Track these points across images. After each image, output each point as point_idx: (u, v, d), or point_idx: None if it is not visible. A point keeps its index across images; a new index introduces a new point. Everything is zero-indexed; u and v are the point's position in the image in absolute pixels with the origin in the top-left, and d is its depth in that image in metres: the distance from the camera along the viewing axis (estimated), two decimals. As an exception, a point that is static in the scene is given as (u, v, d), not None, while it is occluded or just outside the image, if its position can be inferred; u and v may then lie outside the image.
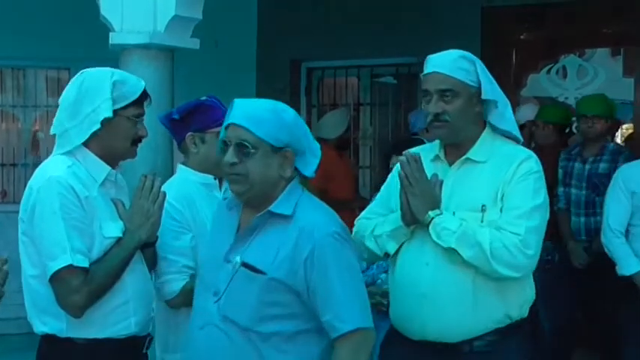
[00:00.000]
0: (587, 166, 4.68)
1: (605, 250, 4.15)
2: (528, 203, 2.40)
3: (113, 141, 2.47)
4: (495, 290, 2.44)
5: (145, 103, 2.54)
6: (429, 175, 2.47)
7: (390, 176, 2.74)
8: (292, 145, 2.14)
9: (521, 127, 5.73)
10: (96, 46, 4.01)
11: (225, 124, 2.17)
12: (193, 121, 2.81)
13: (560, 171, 4.80)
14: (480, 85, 2.54)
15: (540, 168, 2.47)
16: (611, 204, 4.13)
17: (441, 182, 2.48)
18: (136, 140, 2.54)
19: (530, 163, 2.45)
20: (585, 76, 6.31)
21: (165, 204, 2.66)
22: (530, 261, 2.41)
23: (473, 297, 2.42)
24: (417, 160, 2.42)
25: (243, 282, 2.12)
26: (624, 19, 6.20)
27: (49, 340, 2.40)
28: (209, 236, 2.38)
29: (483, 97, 2.51)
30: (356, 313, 2.13)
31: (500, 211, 2.42)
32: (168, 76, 3.74)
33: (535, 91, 7.00)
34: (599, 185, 4.56)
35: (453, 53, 2.64)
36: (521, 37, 6.86)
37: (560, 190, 4.78)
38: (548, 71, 6.20)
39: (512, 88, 6.69)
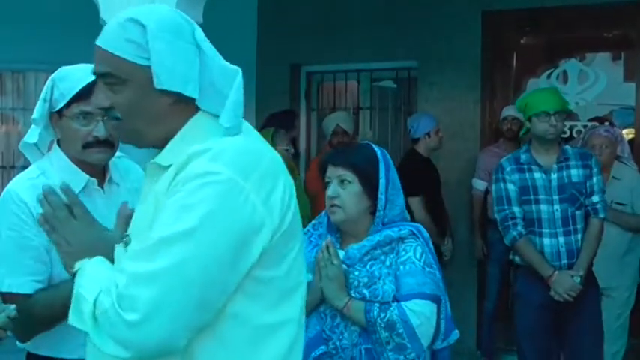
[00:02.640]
0: (554, 175, 3.90)
1: None
2: (163, 230, 1.43)
3: (65, 146, 2.24)
4: None
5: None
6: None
7: None
8: None
9: (503, 121, 5.80)
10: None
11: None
12: None
13: (509, 187, 3.93)
14: None
15: (232, 172, 1.46)
16: None
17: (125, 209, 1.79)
18: (92, 143, 2.18)
19: (203, 161, 1.46)
20: (586, 80, 6.29)
21: None
22: (138, 334, 1.41)
23: None
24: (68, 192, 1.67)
25: None
26: (625, 24, 6.20)
27: (27, 355, 2.28)
28: None
29: (157, 85, 1.55)
30: None
31: None
32: (168, 79, 3.73)
33: (535, 95, 6.99)
34: (578, 197, 3.88)
35: (122, 16, 1.65)
36: (522, 41, 6.86)
37: (516, 209, 3.90)
38: (549, 76, 6.18)
39: (512, 92, 6.70)
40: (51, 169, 2.23)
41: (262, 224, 1.48)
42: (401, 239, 2.44)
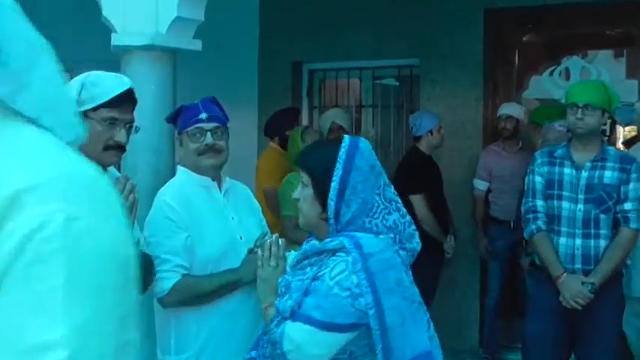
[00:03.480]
0: (585, 173, 3.60)
1: None
2: (55, 333, 0.87)
3: (84, 144, 2.39)
4: None
5: (132, 108, 2.47)
6: None
7: None
8: None
9: (498, 120, 5.79)
10: (98, 48, 4.00)
11: None
12: (178, 124, 2.89)
13: (537, 179, 3.71)
14: None
15: (90, 211, 0.93)
16: None
17: None
18: (112, 146, 2.41)
19: (50, 203, 0.89)
20: (589, 78, 6.29)
21: (162, 203, 2.70)
22: None
23: None
24: None
25: None
26: (627, 21, 6.19)
27: None
28: None
29: None
30: None
31: None
32: (170, 77, 3.73)
33: (537, 93, 6.98)
34: (606, 199, 3.57)
35: None
36: (524, 39, 6.86)
37: (539, 203, 3.68)
38: (551, 73, 6.19)
39: (514, 89, 6.70)
40: None
41: (135, 276, 1.01)
42: (330, 252, 2.11)
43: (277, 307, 2.16)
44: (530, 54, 7.08)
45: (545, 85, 6.67)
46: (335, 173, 2.13)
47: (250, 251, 2.77)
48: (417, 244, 2.23)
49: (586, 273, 3.55)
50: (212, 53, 4.44)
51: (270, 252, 2.31)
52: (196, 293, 2.69)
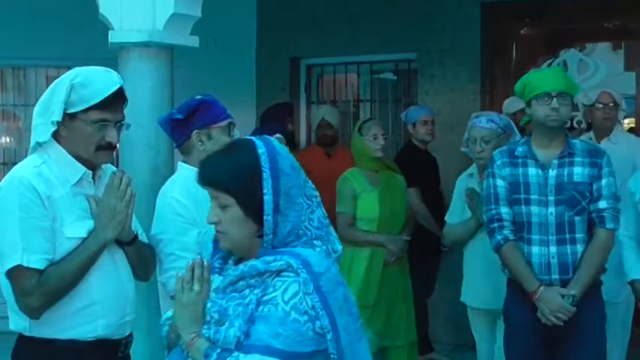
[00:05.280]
0: (552, 172, 3.20)
1: None
2: None
3: (74, 145, 2.40)
4: None
5: (123, 107, 2.44)
6: None
7: None
8: None
9: (513, 116, 5.79)
10: (96, 45, 4.00)
11: None
12: (198, 118, 2.84)
13: (498, 182, 3.28)
14: None
15: None
16: None
17: None
18: (104, 147, 2.40)
19: None
20: (586, 70, 6.30)
21: (171, 200, 2.70)
22: None
23: None
24: None
25: None
26: (625, 14, 6.20)
27: (19, 337, 2.41)
28: None
29: None
30: None
31: None
32: (168, 74, 3.73)
33: (535, 86, 6.97)
34: (579, 200, 3.18)
35: None
36: (522, 32, 6.87)
37: (504, 210, 3.25)
38: (549, 66, 6.19)
39: (512, 83, 6.70)
40: (50, 161, 2.39)
41: None
42: (274, 272, 1.88)
43: (212, 337, 1.88)
44: (528, 47, 7.09)
45: (543, 78, 6.66)
46: (264, 185, 1.89)
47: None
48: (337, 244, 2.03)
49: (564, 283, 3.17)
50: (209, 49, 4.43)
51: (192, 274, 1.94)
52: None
